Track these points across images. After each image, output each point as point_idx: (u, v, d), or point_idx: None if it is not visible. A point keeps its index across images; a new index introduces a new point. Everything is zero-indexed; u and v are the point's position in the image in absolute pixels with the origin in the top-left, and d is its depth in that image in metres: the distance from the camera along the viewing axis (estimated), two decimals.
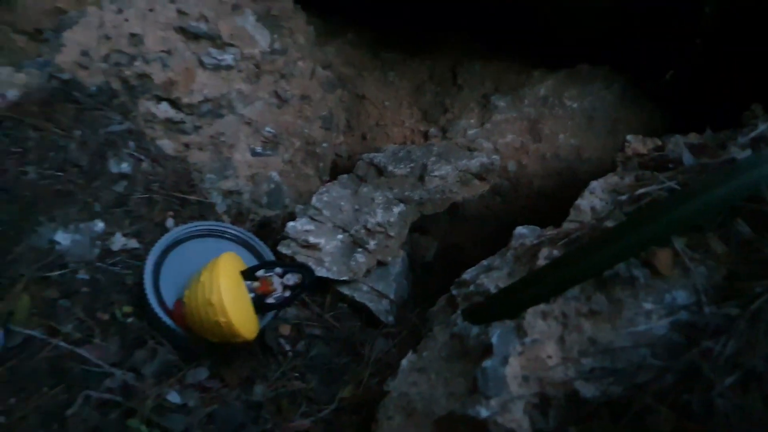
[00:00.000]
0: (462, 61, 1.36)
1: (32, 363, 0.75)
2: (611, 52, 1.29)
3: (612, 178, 0.82)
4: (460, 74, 1.37)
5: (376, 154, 1.15)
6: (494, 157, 1.20)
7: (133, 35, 1.01)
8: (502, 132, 1.28)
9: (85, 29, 1.02)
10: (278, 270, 0.89)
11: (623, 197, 0.73)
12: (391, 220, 1.05)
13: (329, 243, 1.00)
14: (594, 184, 0.82)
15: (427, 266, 1.16)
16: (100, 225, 0.89)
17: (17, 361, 0.75)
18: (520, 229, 0.86)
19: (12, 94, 0.95)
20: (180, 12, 1.03)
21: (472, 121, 1.31)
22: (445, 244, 1.19)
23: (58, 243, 0.85)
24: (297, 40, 1.12)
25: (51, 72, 1.00)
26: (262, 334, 0.89)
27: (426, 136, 1.33)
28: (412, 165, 1.14)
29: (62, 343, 0.78)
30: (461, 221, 1.23)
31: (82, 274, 0.85)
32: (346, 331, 0.97)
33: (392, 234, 1.05)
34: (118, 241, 0.89)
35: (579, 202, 0.81)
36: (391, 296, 1.03)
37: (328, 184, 1.07)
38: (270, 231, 1.02)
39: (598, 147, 1.21)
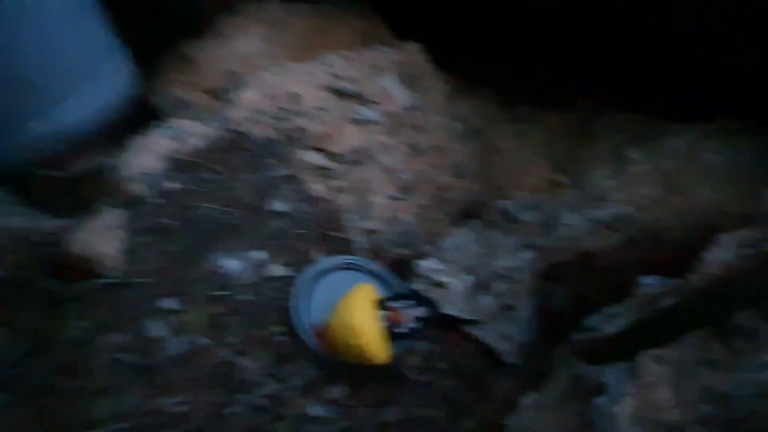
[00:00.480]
0: (595, 112, 1.41)
1: (204, 365, 0.91)
2: (753, 105, 1.28)
3: (742, 232, 0.83)
4: (593, 126, 1.42)
5: (505, 201, 1.23)
6: (627, 208, 1.23)
7: (293, 94, 1.20)
8: (637, 184, 1.30)
9: (255, 90, 1.23)
10: (408, 303, 0.99)
11: (750, 251, 0.74)
12: (518, 265, 1.12)
13: (457, 283, 1.08)
14: (723, 237, 0.84)
15: (554, 312, 1.20)
16: (260, 254, 1.05)
17: (192, 364, 0.92)
18: (645, 279, 0.89)
19: (198, 143, 1.16)
20: (332, 75, 1.21)
21: (604, 172, 1.34)
22: (574, 291, 1.23)
23: (227, 268, 1.03)
24: (433, 97, 1.25)
25: (227, 125, 1.20)
26: (393, 361, 0.99)
27: (557, 185, 1.39)
28: (540, 213, 1.20)
29: (227, 353, 0.94)
30: (591, 270, 1.25)
31: (245, 296, 1.01)
32: (472, 368, 1.04)
33: (518, 279, 1.11)
34: (275, 269, 1.04)
35: (706, 254, 0.83)
36: (516, 339, 1.08)
37: (458, 228, 1.17)
38: (402, 268, 1.13)
39: (735, 201, 1.19)
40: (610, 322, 0.83)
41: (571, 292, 1.15)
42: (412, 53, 1.30)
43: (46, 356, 0.93)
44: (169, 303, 0.97)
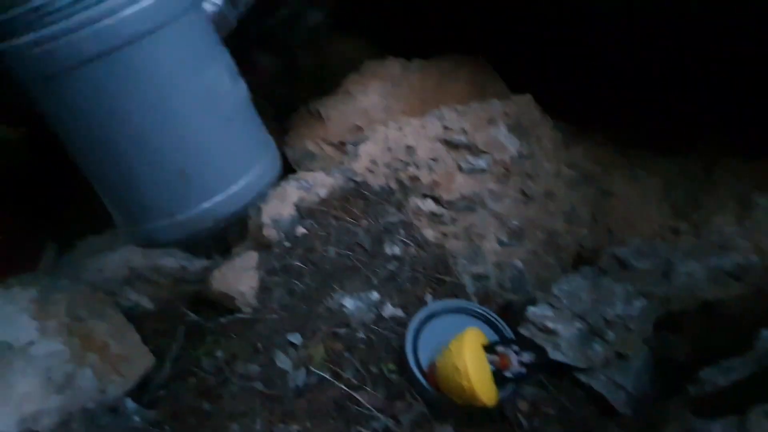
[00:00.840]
0: (717, 157, 1.37)
1: (323, 398, 1.01)
2: None
3: None
4: (715, 171, 1.39)
5: (619, 247, 1.23)
6: (753, 256, 1.18)
7: (408, 147, 1.30)
8: (764, 231, 1.24)
9: (374, 143, 1.35)
10: (516, 348, 1.02)
11: None
12: (632, 313, 1.11)
13: (567, 330, 1.10)
14: None
15: (670, 363, 1.16)
16: (375, 295, 1.15)
17: (313, 395, 1.01)
18: (766, 332, 0.86)
19: (323, 192, 1.29)
20: (445, 128, 1.30)
21: (728, 218, 1.30)
22: (692, 342, 1.19)
23: (346, 307, 1.13)
24: (543, 144, 1.30)
25: (349, 175, 1.33)
26: (501, 405, 1.03)
27: (676, 231, 1.36)
28: (657, 260, 1.19)
29: (344, 386, 1.02)
30: (712, 321, 1.21)
31: (361, 334, 1.10)
32: (581, 416, 1.05)
33: (632, 327, 1.10)
34: (388, 310, 1.13)
35: None
36: (629, 389, 1.07)
37: (569, 274, 1.18)
38: (511, 313, 1.16)
39: None
40: (726, 374, 0.81)
41: (689, 343, 1.12)
42: (523, 104, 1.36)
43: (189, 381, 1.08)
44: (294, 338, 1.08)
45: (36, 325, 1.12)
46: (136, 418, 1.01)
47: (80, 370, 1.07)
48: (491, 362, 1.01)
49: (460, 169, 1.27)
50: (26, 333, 1.10)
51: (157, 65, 0.64)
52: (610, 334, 1.09)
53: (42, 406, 1.01)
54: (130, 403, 1.03)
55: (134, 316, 1.24)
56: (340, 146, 1.55)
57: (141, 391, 1.10)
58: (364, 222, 1.26)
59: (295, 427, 0.97)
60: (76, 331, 1.13)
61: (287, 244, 1.22)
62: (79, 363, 1.07)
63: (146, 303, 1.29)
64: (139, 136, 0.66)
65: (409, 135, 1.31)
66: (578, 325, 1.10)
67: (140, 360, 1.13)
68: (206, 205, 0.75)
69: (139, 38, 0.64)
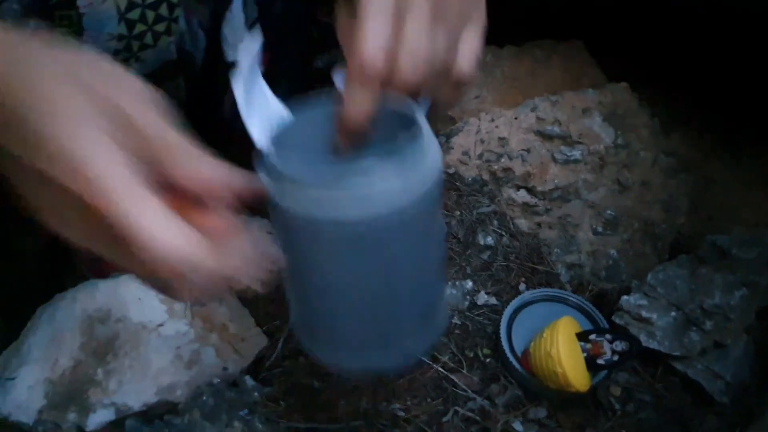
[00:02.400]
0: None
1: (422, 379, 1.14)
2: None
3: None
4: None
5: (720, 236, 1.27)
6: None
7: (501, 138, 1.40)
8: None
9: (467, 135, 1.45)
10: (608, 336, 1.11)
11: None
12: (732, 303, 1.16)
13: (662, 318, 1.17)
14: None
15: None
16: (469, 284, 1.26)
17: (413, 376, 1.15)
18: None
19: None
20: (538, 118, 1.38)
21: None
22: None
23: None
24: (640, 133, 1.35)
25: (442, 168, 1.44)
26: (594, 390, 1.12)
27: None
28: (760, 249, 1.22)
29: (441, 369, 1.15)
30: None
31: (456, 320, 1.22)
32: (676, 403, 1.12)
33: (732, 317, 1.16)
34: (482, 298, 1.24)
35: None
36: (728, 378, 1.13)
37: (666, 263, 1.24)
38: (605, 302, 1.24)
39: None
40: None
41: None
42: (619, 92, 1.41)
43: (300, 360, 1.25)
44: None
45: (164, 308, 1.31)
46: (255, 394, 1.18)
47: (204, 348, 1.25)
48: (584, 350, 1.10)
49: (554, 159, 1.35)
50: (157, 315, 1.30)
51: (418, 223, 0.68)
52: (708, 324, 1.14)
53: (174, 380, 1.20)
54: (249, 380, 1.21)
55: (247, 301, 1.43)
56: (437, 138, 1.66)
57: (256, 369, 1.27)
58: (457, 213, 1.37)
59: (397, 405, 1.11)
60: (197, 313, 1.31)
61: None
62: (202, 342, 1.26)
63: (258, 287, 1.47)
64: (395, 283, 0.74)
65: (502, 126, 1.40)
66: (674, 314, 1.17)
67: (255, 340, 1.30)
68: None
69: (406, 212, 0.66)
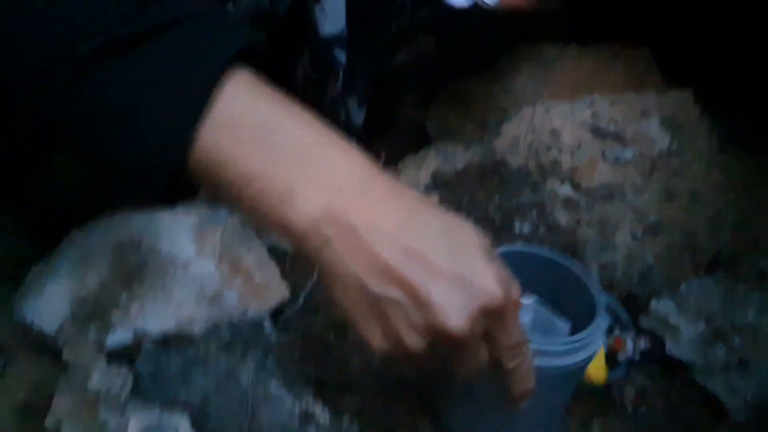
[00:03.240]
0: None
1: None
2: None
3: None
4: None
5: (763, 258, 1.30)
6: None
7: (553, 130, 1.45)
8: None
9: (519, 123, 1.51)
10: (632, 334, 1.15)
11: None
12: (764, 324, 1.19)
13: (688, 328, 1.20)
14: None
15: None
16: None
17: None
18: None
19: (460, 165, 1.47)
20: (594, 115, 1.43)
21: None
22: None
23: None
24: (696, 144, 1.39)
25: (488, 152, 1.50)
26: (608, 387, 1.16)
27: None
28: None
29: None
30: None
31: None
32: (690, 413, 1.15)
33: (761, 338, 1.18)
34: None
35: None
36: (748, 396, 1.15)
37: (702, 276, 1.28)
38: (633, 305, 1.28)
39: None
40: None
41: None
42: (681, 100, 1.45)
43: (319, 315, 1.31)
44: None
45: (194, 247, 1.39)
46: (272, 338, 1.25)
47: (227, 290, 1.32)
48: (605, 344, 1.14)
49: (603, 158, 1.40)
50: (186, 252, 1.37)
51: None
52: (736, 340, 1.17)
53: (195, 314, 1.27)
54: (268, 324, 1.28)
55: (275, 254, 1.50)
56: (482, 125, 1.72)
57: (276, 317, 1.34)
58: (496, 198, 1.43)
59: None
60: (225, 257, 1.39)
61: None
62: (226, 285, 1.33)
63: (286, 245, 1.55)
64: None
65: (556, 118, 1.45)
66: (702, 326, 1.20)
67: (277, 291, 1.37)
68: None
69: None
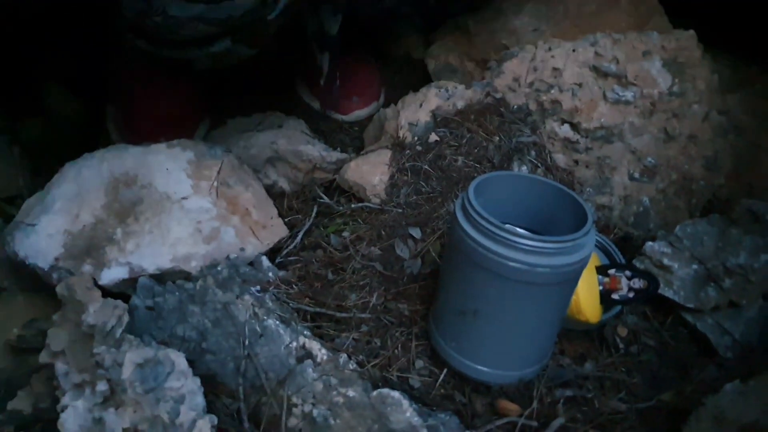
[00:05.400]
0: None
1: (433, 286, 1.19)
2: None
3: None
4: None
5: (756, 201, 1.30)
6: None
7: (555, 69, 1.41)
8: None
9: (520, 62, 1.47)
10: (628, 273, 1.15)
11: None
12: (755, 266, 1.19)
13: (682, 269, 1.20)
14: None
15: None
16: None
17: (425, 283, 1.20)
18: None
19: (460, 104, 1.44)
20: (597, 54, 1.39)
21: None
22: None
23: None
24: (697, 85, 1.36)
25: (488, 91, 1.47)
26: (601, 326, 1.17)
27: None
28: None
29: None
30: None
31: None
32: (680, 352, 1.17)
33: (752, 279, 1.19)
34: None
35: None
36: (736, 336, 1.17)
37: (696, 219, 1.27)
38: (629, 246, 1.28)
39: None
40: None
41: None
42: (684, 40, 1.41)
43: (317, 252, 1.30)
44: (414, 231, 1.27)
45: (191, 183, 1.36)
46: (270, 274, 1.24)
47: (224, 227, 1.30)
48: (601, 283, 1.14)
49: (604, 98, 1.37)
50: (182, 188, 1.35)
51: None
52: (728, 282, 1.18)
53: (192, 251, 1.26)
54: (266, 261, 1.27)
55: (273, 194, 1.48)
56: (483, 63, 1.68)
57: (273, 256, 1.34)
58: (496, 138, 1.40)
59: (405, 305, 1.17)
60: (223, 194, 1.37)
61: (419, 147, 1.39)
62: (223, 222, 1.31)
63: (284, 183, 1.53)
64: (555, 319, 1.04)
65: (558, 57, 1.41)
66: (695, 267, 1.20)
67: (276, 229, 1.36)
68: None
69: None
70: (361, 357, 1.09)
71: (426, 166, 1.36)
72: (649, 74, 1.35)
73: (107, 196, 1.34)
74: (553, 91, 1.40)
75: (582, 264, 0.93)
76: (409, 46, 2.00)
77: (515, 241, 0.88)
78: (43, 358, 1.03)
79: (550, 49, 1.43)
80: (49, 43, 1.72)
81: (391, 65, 1.98)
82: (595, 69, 1.39)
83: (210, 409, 1.01)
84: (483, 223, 0.90)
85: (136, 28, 1.39)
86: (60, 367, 1.02)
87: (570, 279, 0.95)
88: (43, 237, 1.27)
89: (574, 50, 1.40)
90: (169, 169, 1.39)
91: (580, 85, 1.38)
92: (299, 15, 1.56)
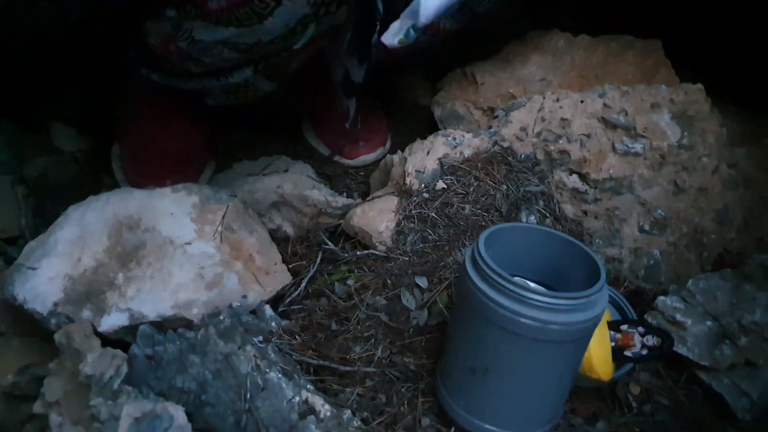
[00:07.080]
0: None
1: (441, 339, 1.15)
2: None
3: None
4: None
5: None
6: None
7: (563, 119, 1.39)
8: None
9: (528, 112, 1.45)
10: (641, 329, 1.10)
11: None
12: None
13: (696, 326, 1.16)
14: None
15: None
16: None
17: (432, 335, 1.16)
18: None
19: (468, 152, 1.41)
20: (605, 105, 1.37)
21: None
22: None
23: None
24: (706, 139, 1.34)
25: (496, 140, 1.44)
26: (613, 384, 1.12)
27: None
28: None
29: None
30: None
31: None
32: (696, 412, 1.11)
33: None
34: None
35: None
36: (754, 397, 1.11)
37: (708, 273, 1.23)
38: (640, 300, 1.24)
39: None
40: None
41: None
42: (693, 93, 1.40)
43: (321, 301, 1.26)
44: (421, 281, 1.23)
45: (195, 227, 1.33)
46: (273, 324, 1.20)
47: (227, 273, 1.27)
48: (613, 339, 1.10)
49: (613, 149, 1.35)
50: (186, 232, 1.32)
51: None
52: (743, 340, 1.13)
53: (193, 297, 1.22)
54: (269, 310, 1.23)
55: (277, 239, 1.45)
56: (490, 112, 1.66)
57: (276, 303, 1.29)
58: (504, 187, 1.37)
59: (412, 359, 1.12)
60: (226, 239, 1.33)
61: (426, 195, 1.36)
62: (226, 268, 1.28)
63: (288, 228, 1.49)
64: (566, 379, 0.99)
65: (566, 107, 1.40)
66: (709, 323, 1.16)
67: (279, 276, 1.32)
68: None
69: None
70: (365, 413, 1.04)
71: (433, 214, 1.33)
72: (658, 127, 1.33)
73: (110, 239, 1.30)
74: (561, 141, 1.37)
75: (596, 321, 0.89)
76: (415, 92, 1.99)
77: (529, 297, 0.84)
78: (38, 408, 0.99)
79: (558, 99, 1.41)
80: (55, 82, 1.72)
81: (397, 111, 1.97)
82: (604, 120, 1.37)
83: None
84: (495, 277, 0.86)
85: (151, 61, 1.37)
86: (54, 418, 0.97)
87: (584, 336, 0.91)
88: (43, 280, 1.23)
89: (582, 101, 1.39)
90: (174, 213, 1.36)
91: (588, 135, 1.36)
92: (321, 55, 1.55)
